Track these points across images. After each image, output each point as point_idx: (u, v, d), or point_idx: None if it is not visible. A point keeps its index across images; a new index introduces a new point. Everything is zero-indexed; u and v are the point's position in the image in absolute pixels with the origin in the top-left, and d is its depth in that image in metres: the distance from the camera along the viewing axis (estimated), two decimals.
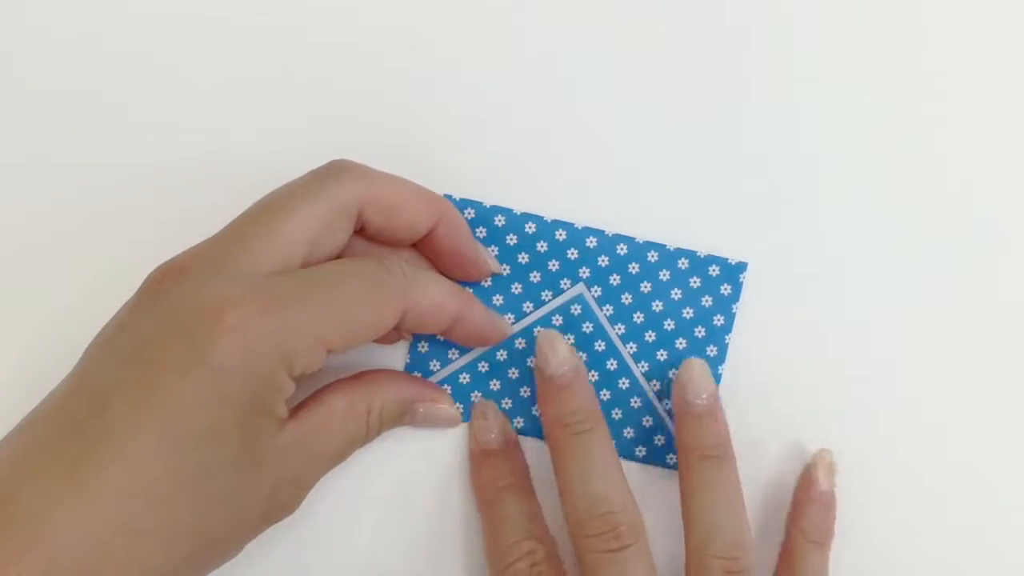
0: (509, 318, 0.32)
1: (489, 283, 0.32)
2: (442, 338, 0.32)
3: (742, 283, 0.32)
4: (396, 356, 0.33)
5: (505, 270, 0.32)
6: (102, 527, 0.24)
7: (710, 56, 0.34)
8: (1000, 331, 0.33)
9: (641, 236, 0.32)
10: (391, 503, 0.33)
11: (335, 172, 0.28)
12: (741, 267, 0.32)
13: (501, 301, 0.32)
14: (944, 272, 0.33)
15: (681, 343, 0.32)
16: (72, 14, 0.34)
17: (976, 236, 0.34)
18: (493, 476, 0.32)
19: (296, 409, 0.28)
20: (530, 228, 0.32)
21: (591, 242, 0.32)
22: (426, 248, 0.31)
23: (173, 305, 0.26)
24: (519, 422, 0.32)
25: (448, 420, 0.32)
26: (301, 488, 0.29)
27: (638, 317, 0.32)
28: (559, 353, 0.31)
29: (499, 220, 0.32)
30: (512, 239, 0.32)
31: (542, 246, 0.32)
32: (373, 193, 0.28)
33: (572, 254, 0.32)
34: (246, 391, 0.25)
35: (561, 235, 0.32)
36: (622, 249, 0.32)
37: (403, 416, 0.31)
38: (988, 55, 0.34)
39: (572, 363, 0.31)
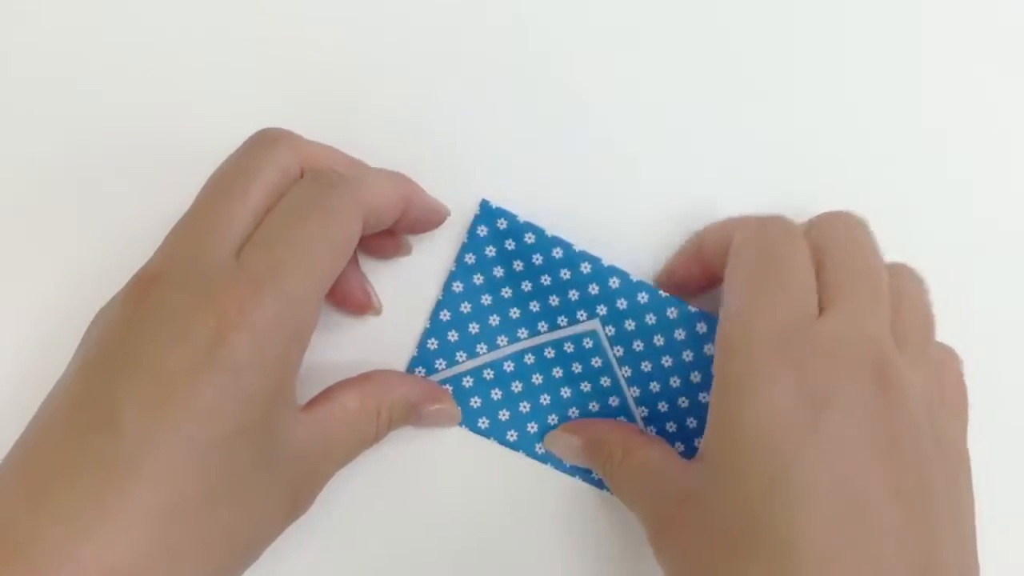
0: (523, 332, 0.32)
1: (510, 294, 0.32)
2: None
3: None
4: (402, 353, 0.33)
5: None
6: (133, 556, 0.23)
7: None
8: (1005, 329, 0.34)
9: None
10: (393, 507, 0.33)
11: (269, 141, 0.28)
12: None
13: (517, 314, 0.32)
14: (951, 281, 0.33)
15: (683, 402, 0.32)
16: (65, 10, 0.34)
17: (978, 236, 0.34)
18: None
19: (308, 405, 0.28)
20: (557, 253, 0.32)
21: (614, 283, 0.31)
22: (398, 226, 0.31)
23: (164, 312, 0.25)
24: (512, 435, 0.33)
25: (450, 420, 0.33)
26: (315, 485, 0.28)
27: (646, 366, 0.32)
28: None
29: (529, 238, 0.32)
30: (538, 259, 0.32)
31: (565, 274, 0.32)
32: (306, 155, 0.28)
33: (593, 289, 0.31)
34: (266, 383, 0.25)
35: (586, 268, 0.31)
36: (642, 298, 0.31)
37: (409, 417, 0.31)
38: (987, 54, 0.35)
39: None
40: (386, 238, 0.32)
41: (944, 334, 0.32)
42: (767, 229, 0.29)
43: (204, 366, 0.24)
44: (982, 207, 0.34)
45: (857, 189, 0.34)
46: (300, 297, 0.26)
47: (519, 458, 0.33)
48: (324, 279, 0.27)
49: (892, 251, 0.31)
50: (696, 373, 0.31)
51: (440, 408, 0.32)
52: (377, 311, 0.33)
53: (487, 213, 0.32)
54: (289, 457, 0.27)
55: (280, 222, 0.27)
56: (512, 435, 0.33)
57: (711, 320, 0.31)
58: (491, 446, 0.33)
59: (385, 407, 0.30)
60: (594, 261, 0.31)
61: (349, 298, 0.32)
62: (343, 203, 0.27)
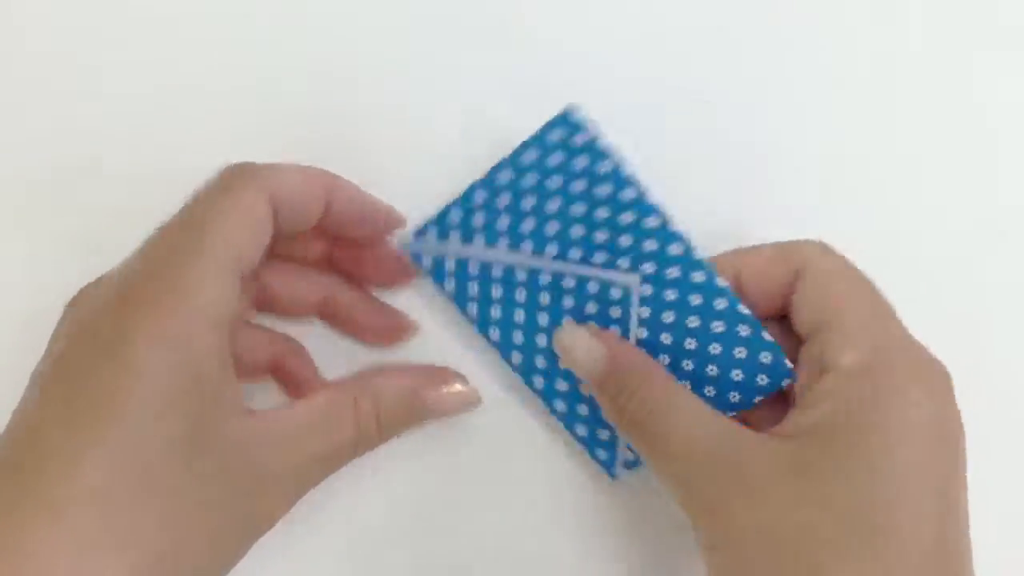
0: (552, 249, 0.30)
1: (555, 207, 0.30)
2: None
3: (783, 387, 0.29)
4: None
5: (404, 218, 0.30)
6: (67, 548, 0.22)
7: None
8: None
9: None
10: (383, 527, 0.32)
11: (224, 186, 0.26)
12: (789, 373, 0.29)
13: (555, 230, 0.30)
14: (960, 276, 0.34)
15: (685, 386, 0.30)
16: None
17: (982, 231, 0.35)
18: None
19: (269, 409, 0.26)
20: (628, 195, 0.29)
21: (675, 249, 0.29)
22: (332, 222, 0.29)
23: (80, 321, 0.25)
24: (495, 333, 0.31)
25: (464, 402, 0.30)
26: (279, 496, 0.26)
27: (665, 338, 0.30)
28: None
29: (604, 167, 0.29)
30: (604, 190, 0.29)
31: (626, 217, 0.29)
32: (275, 187, 0.27)
33: (650, 245, 0.29)
34: (180, 381, 0.24)
35: (652, 223, 0.29)
36: (697, 277, 0.29)
37: (410, 411, 0.29)
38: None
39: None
40: (384, 262, 0.31)
41: (945, 334, 0.33)
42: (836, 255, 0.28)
43: (108, 368, 0.23)
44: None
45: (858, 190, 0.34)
46: (198, 279, 0.24)
47: (521, 454, 0.32)
48: (242, 259, 0.25)
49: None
50: (712, 367, 0.29)
51: (451, 391, 0.29)
52: (412, 330, 0.31)
53: (567, 122, 0.29)
54: (233, 466, 0.25)
55: (178, 213, 0.26)
56: (494, 333, 0.31)
57: (756, 326, 0.29)
58: (490, 443, 0.32)
59: (366, 398, 0.27)
60: (663, 218, 0.29)
61: (372, 329, 0.31)
62: (247, 187, 0.26)
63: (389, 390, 0.28)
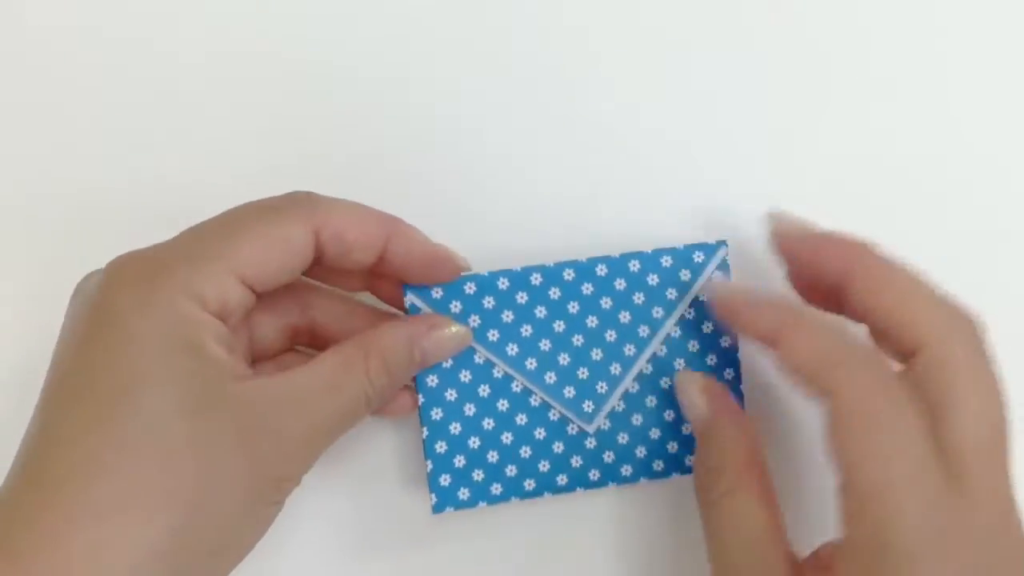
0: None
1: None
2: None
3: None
4: None
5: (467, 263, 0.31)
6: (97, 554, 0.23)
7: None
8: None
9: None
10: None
11: (280, 209, 0.28)
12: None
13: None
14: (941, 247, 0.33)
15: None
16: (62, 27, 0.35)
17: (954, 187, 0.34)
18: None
19: (279, 372, 0.27)
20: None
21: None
22: (389, 266, 0.30)
23: (82, 308, 0.26)
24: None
25: (459, 341, 0.31)
26: (292, 448, 0.27)
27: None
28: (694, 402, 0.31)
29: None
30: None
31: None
32: (323, 221, 0.28)
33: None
34: (168, 348, 0.25)
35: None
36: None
37: (412, 360, 0.30)
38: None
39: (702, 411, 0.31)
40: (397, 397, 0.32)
41: None
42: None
43: (105, 336, 0.25)
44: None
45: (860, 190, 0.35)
46: (204, 259, 0.26)
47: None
48: (242, 263, 0.26)
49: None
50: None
51: (443, 333, 0.31)
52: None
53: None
54: (247, 427, 0.25)
55: (222, 213, 0.27)
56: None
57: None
58: None
59: (376, 361, 0.28)
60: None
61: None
62: (292, 213, 0.27)
63: (394, 343, 0.29)
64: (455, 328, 0.31)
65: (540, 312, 0.32)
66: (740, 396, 0.33)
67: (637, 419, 0.32)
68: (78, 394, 0.25)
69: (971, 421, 0.26)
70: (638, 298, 0.32)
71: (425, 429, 0.32)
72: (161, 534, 0.24)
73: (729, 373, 0.33)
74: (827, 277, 0.29)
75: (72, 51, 0.35)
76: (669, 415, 0.32)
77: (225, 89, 0.35)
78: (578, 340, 0.32)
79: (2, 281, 0.34)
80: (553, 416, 0.32)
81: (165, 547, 0.24)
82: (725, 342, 0.33)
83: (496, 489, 0.32)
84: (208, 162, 0.34)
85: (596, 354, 0.32)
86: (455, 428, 0.32)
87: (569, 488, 0.32)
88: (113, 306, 0.25)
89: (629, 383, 0.32)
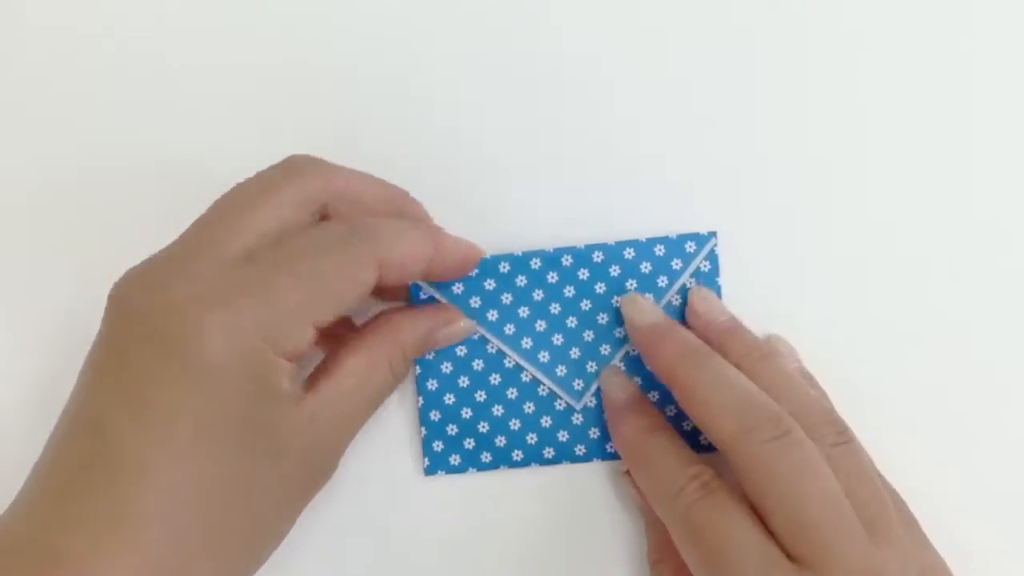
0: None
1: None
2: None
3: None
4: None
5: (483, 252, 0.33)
6: (146, 564, 0.24)
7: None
8: (987, 298, 0.34)
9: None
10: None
11: (295, 166, 0.28)
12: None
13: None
14: (926, 237, 0.34)
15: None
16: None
17: (946, 199, 0.34)
18: (638, 420, 0.32)
19: (315, 375, 0.28)
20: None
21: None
22: (428, 275, 0.31)
23: (142, 314, 0.25)
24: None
25: (466, 333, 0.33)
26: (335, 451, 0.29)
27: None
28: (645, 309, 0.32)
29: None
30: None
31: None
32: (335, 185, 0.28)
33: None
34: (241, 384, 0.25)
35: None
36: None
37: (426, 348, 0.32)
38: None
39: (659, 314, 0.32)
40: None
41: (945, 333, 0.33)
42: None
43: (178, 370, 0.24)
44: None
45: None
46: (281, 314, 0.26)
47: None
48: (317, 313, 0.27)
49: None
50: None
51: (456, 327, 0.33)
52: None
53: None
54: (294, 441, 0.27)
55: (291, 247, 0.27)
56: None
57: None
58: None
59: (397, 353, 0.30)
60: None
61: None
62: (360, 256, 0.27)
63: (415, 339, 0.31)
64: (464, 322, 0.33)
65: (538, 295, 0.33)
66: None
67: None
68: (143, 418, 0.24)
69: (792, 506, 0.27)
70: (631, 284, 0.33)
71: (421, 398, 0.34)
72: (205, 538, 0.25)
73: None
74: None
75: (72, 51, 0.35)
76: (654, 396, 0.33)
77: (225, 89, 0.35)
78: (572, 322, 0.33)
79: (2, 281, 0.35)
80: (542, 392, 0.34)
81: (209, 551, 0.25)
82: None
83: (486, 457, 0.34)
84: (208, 162, 0.35)
85: (588, 336, 0.33)
86: (449, 399, 0.34)
87: (556, 460, 0.34)
88: (194, 330, 0.25)
89: (616, 364, 0.33)
